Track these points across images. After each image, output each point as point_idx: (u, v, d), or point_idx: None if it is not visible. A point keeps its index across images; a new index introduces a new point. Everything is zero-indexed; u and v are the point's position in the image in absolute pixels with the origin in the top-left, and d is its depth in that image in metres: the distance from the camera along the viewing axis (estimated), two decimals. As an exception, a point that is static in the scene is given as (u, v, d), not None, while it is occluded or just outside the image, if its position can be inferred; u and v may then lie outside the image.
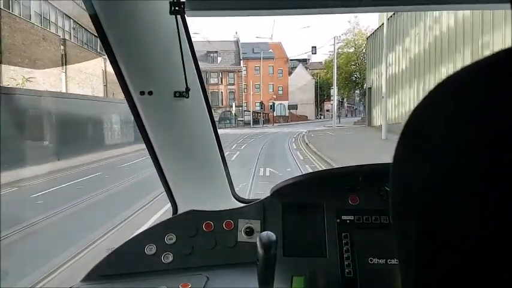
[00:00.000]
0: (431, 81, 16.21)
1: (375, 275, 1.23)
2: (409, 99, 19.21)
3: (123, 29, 1.10)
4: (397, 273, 0.32)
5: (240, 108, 46.07)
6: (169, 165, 1.37)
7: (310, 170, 10.72)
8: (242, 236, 1.36)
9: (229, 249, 1.35)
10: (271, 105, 47.08)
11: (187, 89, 1.19)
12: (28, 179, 8.61)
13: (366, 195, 1.34)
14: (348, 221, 1.31)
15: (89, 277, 1.29)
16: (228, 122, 43.58)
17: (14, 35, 13.23)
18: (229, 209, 1.41)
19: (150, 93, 1.19)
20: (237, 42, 49.61)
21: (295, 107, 53.60)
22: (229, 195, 1.50)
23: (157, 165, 1.36)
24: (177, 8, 1.00)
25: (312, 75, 60.27)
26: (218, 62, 47.17)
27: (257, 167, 11.00)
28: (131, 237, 1.36)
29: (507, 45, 0.27)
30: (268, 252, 0.99)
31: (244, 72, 48.63)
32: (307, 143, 17.20)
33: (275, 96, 52.14)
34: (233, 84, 47.78)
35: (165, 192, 1.48)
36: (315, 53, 46.23)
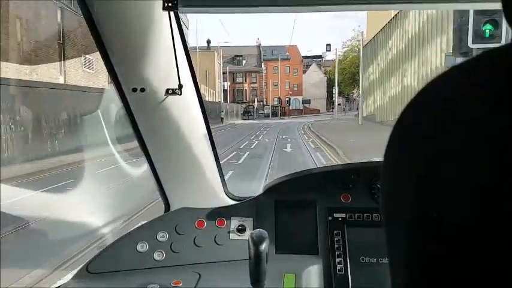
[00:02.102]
0: (392, 84, 24.43)
1: (366, 272, 1.23)
2: (379, 98, 27.67)
3: (116, 26, 1.08)
4: (388, 271, 0.33)
5: (261, 102, 55.04)
6: (161, 163, 1.36)
7: (307, 139, 18.83)
8: (234, 234, 1.36)
9: (221, 247, 1.35)
10: (287, 100, 55.76)
11: (180, 86, 1.17)
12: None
13: (358, 193, 1.35)
14: (340, 219, 1.31)
15: (80, 274, 1.28)
16: (250, 114, 52.37)
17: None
18: (222, 207, 1.41)
19: (143, 90, 1.17)
20: (258, 46, 58.25)
21: (308, 101, 61.96)
22: (221, 193, 1.48)
23: (149, 162, 1.36)
24: (170, 4, 0.99)
25: (325, 73, 67.81)
26: (243, 64, 56.13)
27: (277, 136, 19.81)
28: (123, 234, 1.36)
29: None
30: (260, 249, 1.00)
31: (264, 72, 57.34)
32: (309, 127, 25.64)
33: (291, 92, 60.54)
34: (255, 82, 56.67)
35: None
36: (329, 50, 53.26)
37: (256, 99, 54.17)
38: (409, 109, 0.33)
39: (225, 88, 51.00)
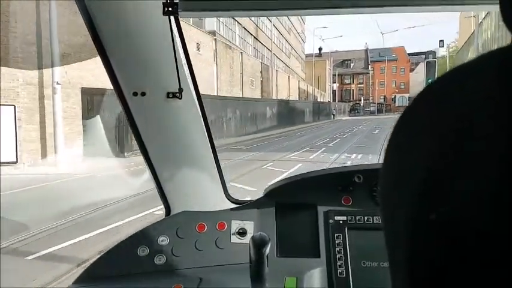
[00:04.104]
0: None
1: (367, 275, 1.23)
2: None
3: (116, 30, 1.09)
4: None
5: (367, 101, 61.59)
6: (162, 166, 1.36)
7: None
8: (235, 237, 1.35)
9: (222, 250, 1.34)
10: (393, 98, 60.81)
11: (181, 90, 1.17)
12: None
13: (359, 196, 1.35)
14: (341, 222, 1.30)
15: (81, 279, 1.28)
16: (357, 111, 59.41)
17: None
18: (222, 210, 1.41)
19: (143, 94, 1.18)
20: (366, 50, 64.44)
21: (415, 98, 65.57)
22: (222, 196, 1.48)
23: (149, 165, 1.35)
24: (170, 9, 0.99)
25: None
26: (351, 67, 63.34)
27: (373, 126, 27.32)
28: (123, 238, 1.34)
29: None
30: (261, 253, 0.99)
31: (371, 73, 63.36)
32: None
33: (397, 90, 65.10)
34: (362, 83, 63.32)
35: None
36: (442, 46, 56.21)
37: (362, 98, 60.83)
38: (409, 110, 0.33)
39: (334, 89, 59.07)
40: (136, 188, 6.80)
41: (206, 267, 1.31)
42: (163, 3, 0.98)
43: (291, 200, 1.37)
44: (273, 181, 1.44)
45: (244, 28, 28.48)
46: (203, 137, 1.36)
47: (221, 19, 23.66)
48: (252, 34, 30.47)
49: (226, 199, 1.48)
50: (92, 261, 1.32)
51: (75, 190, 7.76)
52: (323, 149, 14.88)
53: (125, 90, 1.20)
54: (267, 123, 25.16)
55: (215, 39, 21.80)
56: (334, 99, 57.80)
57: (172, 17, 1.04)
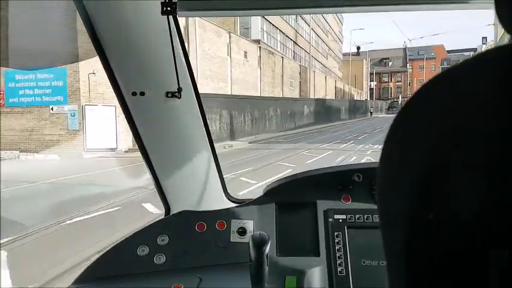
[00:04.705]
0: None
1: (367, 273, 1.23)
2: None
3: (115, 30, 1.08)
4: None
5: (405, 98, 61.99)
6: (161, 166, 1.36)
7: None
8: (235, 236, 1.36)
9: (222, 250, 1.34)
10: (431, 96, 61.03)
11: (180, 89, 1.16)
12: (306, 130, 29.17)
13: (359, 195, 1.35)
14: (340, 220, 1.31)
15: (81, 279, 1.28)
16: (395, 109, 60.38)
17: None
18: (222, 209, 1.41)
19: (142, 93, 1.17)
20: (404, 49, 65.01)
21: (455, 95, 65.43)
22: (221, 196, 1.49)
23: (149, 165, 1.35)
24: (168, 9, 0.99)
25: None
26: (389, 65, 64.28)
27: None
28: (123, 238, 1.35)
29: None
30: (261, 252, 1.00)
31: (410, 71, 63.92)
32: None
33: (437, 88, 65.06)
34: (400, 81, 64.12)
35: None
36: (485, 43, 55.69)
37: (400, 96, 61.56)
38: (406, 109, 0.33)
39: (371, 87, 60.54)
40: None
41: (206, 267, 1.31)
42: (161, 2, 0.99)
43: (290, 199, 1.38)
44: (273, 180, 1.44)
45: (285, 34, 31.41)
46: (202, 136, 1.36)
47: (265, 28, 26.79)
48: (291, 39, 33.31)
49: (226, 198, 1.49)
50: (91, 261, 1.32)
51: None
52: (352, 141, 17.57)
53: (123, 90, 1.19)
54: (304, 120, 27.99)
55: (259, 47, 24.92)
56: (371, 97, 59.32)
57: (170, 17, 1.03)
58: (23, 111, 14.13)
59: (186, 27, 17.06)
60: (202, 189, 1.44)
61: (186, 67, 1.22)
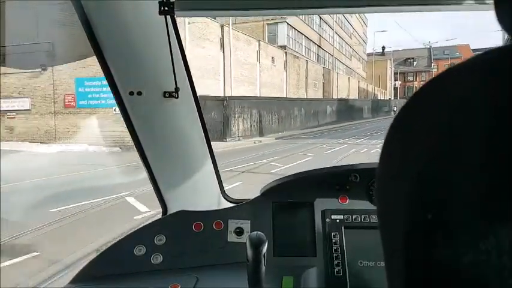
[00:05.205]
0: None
1: (364, 274, 1.23)
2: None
3: (112, 29, 1.09)
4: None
5: (430, 97, 62.86)
6: (158, 166, 1.36)
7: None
8: (232, 236, 1.36)
9: (219, 250, 1.35)
10: (457, 95, 61.40)
11: (177, 89, 1.17)
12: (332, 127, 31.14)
13: (356, 195, 1.35)
14: (337, 221, 1.31)
15: (78, 278, 1.28)
16: (420, 108, 61.08)
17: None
18: (219, 209, 1.42)
19: (140, 93, 1.17)
20: (429, 49, 65.57)
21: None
22: (219, 196, 1.50)
23: (146, 165, 1.35)
24: (166, 9, 1.00)
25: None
26: (414, 65, 65.06)
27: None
28: (120, 238, 1.36)
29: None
30: (258, 252, 1.00)
31: (435, 70, 64.42)
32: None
33: (463, 86, 65.23)
34: (424, 80, 64.08)
35: None
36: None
37: (425, 95, 62.26)
38: (405, 111, 0.33)
39: (396, 86, 61.56)
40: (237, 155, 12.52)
41: (203, 267, 1.31)
42: (159, 2, 0.99)
43: (287, 199, 1.37)
44: (270, 180, 1.42)
45: (309, 39, 33.64)
46: (200, 136, 1.36)
47: (290, 34, 29.15)
48: (315, 43, 35.47)
49: (223, 198, 1.51)
50: (88, 260, 1.31)
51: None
52: (368, 137, 19.65)
53: (121, 90, 1.19)
54: (326, 119, 30.12)
55: (285, 52, 27.30)
56: (395, 97, 60.30)
57: (168, 17, 1.03)
58: (91, 111, 17.16)
59: (222, 38, 19.75)
60: (199, 189, 1.45)
61: (184, 67, 1.23)
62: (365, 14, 56.68)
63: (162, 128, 1.29)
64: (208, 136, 1.40)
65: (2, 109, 17.19)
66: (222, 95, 18.82)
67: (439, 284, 0.27)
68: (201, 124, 1.36)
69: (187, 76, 1.25)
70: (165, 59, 1.11)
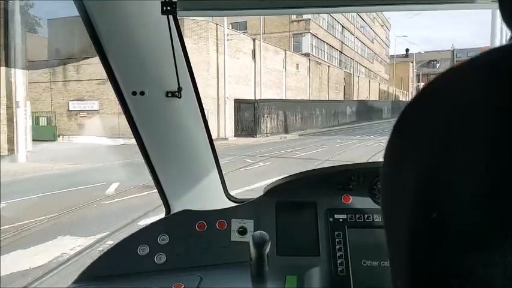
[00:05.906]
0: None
1: (368, 273, 1.23)
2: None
3: (115, 29, 1.09)
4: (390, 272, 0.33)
5: (453, 99, 64.15)
6: (161, 166, 1.37)
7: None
8: (235, 236, 1.36)
9: (223, 249, 1.35)
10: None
11: (180, 89, 1.17)
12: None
13: (359, 194, 1.35)
14: (340, 220, 1.31)
15: (81, 278, 1.28)
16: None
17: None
18: (222, 209, 1.41)
19: (142, 93, 1.18)
20: (452, 51, 66.68)
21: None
22: (222, 195, 1.50)
23: (149, 165, 1.36)
24: (168, 8, 1.00)
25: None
26: (437, 67, 66.40)
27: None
28: (124, 238, 1.35)
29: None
30: (261, 251, 1.00)
31: (458, 72, 65.66)
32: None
33: (488, 88, 65.98)
34: (447, 82, 65.78)
35: None
36: None
37: (447, 96, 63.58)
38: (410, 110, 0.33)
39: (419, 88, 62.80)
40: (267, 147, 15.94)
41: (206, 266, 1.31)
42: (161, 2, 0.99)
43: (290, 199, 1.37)
44: (273, 180, 1.44)
45: (331, 46, 36.64)
46: (203, 136, 1.37)
47: (313, 43, 32.32)
48: (337, 49, 38.37)
49: (226, 198, 1.51)
50: (92, 260, 1.31)
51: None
52: (377, 134, 22.52)
53: (123, 90, 1.19)
54: (346, 119, 33.03)
55: (309, 59, 30.48)
56: (418, 98, 61.71)
57: (170, 16, 1.04)
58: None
59: (254, 50, 23.28)
60: (202, 189, 1.46)
61: (186, 67, 1.22)
62: (388, 19, 58.75)
63: (165, 127, 1.30)
64: (211, 135, 1.41)
65: (76, 109, 21.32)
66: (253, 98, 22.28)
67: (443, 284, 0.27)
68: (204, 124, 1.37)
69: (190, 76, 1.26)
70: (167, 59, 1.12)
